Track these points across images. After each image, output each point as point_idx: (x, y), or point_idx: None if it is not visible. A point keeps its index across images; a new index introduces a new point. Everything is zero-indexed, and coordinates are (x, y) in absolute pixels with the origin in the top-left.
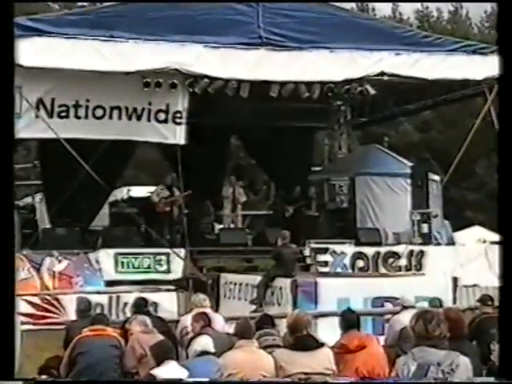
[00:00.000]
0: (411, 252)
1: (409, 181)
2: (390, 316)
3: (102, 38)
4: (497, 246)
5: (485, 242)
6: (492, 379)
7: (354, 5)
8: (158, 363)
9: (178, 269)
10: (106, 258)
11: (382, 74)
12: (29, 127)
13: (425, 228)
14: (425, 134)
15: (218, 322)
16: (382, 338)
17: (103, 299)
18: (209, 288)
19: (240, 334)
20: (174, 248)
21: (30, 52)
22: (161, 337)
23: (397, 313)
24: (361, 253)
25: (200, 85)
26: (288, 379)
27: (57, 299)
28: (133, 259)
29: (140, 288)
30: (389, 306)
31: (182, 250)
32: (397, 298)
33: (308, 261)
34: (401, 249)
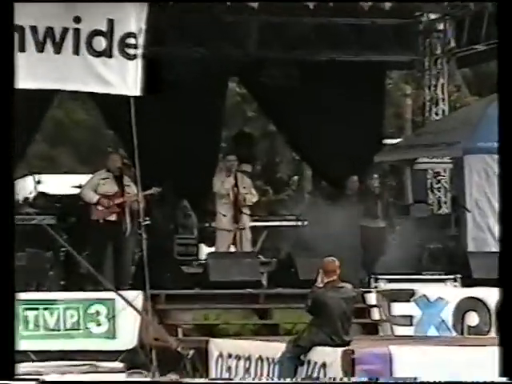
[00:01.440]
0: None
1: None
2: None
3: None
4: None
5: None
6: (492, 379)
7: None
8: None
9: (129, 330)
10: None
11: None
12: None
13: None
14: None
15: None
16: None
17: None
18: (189, 366)
19: None
20: (123, 290)
21: None
22: None
23: None
24: (475, 299)
25: None
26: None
27: None
28: (46, 312)
29: (56, 368)
30: None
31: (139, 293)
32: None
33: (375, 314)
34: None
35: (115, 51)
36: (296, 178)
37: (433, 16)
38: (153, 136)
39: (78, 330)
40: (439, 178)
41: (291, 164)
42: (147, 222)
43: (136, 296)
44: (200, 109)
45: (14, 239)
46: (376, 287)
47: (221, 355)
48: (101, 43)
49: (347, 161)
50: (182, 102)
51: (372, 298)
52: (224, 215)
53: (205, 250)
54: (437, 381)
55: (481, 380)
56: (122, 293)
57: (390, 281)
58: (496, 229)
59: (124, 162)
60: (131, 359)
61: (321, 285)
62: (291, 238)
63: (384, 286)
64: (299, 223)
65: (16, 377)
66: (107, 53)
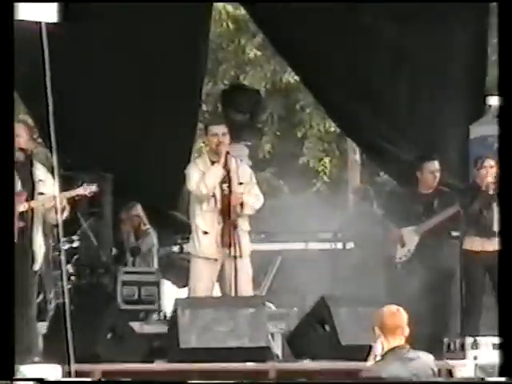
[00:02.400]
0: None
1: None
2: None
3: None
4: None
5: None
6: (492, 379)
7: None
8: None
9: None
10: None
11: None
12: None
13: None
14: None
15: None
16: None
17: None
18: None
19: None
20: (26, 365)
21: None
22: None
23: None
24: None
25: None
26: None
27: None
28: None
29: None
30: None
31: (56, 369)
32: None
33: None
34: None
35: None
36: (328, 164)
37: None
38: (82, 93)
39: None
40: None
41: (323, 142)
42: (73, 244)
43: (51, 374)
44: (164, 46)
45: (13, 238)
46: (476, 358)
47: None
48: None
49: (424, 134)
50: (131, 34)
51: (468, 374)
52: (205, 232)
53: (172, 294)
54: (437, 381)
55: (480, 380)
56: (25, 370)
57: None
58: None
59: (33, 137)
60: None
61: (378, 356)
62: (323, 271)
63: (490, 355)
64: (338, 245)
65: (16, 377)
66: None
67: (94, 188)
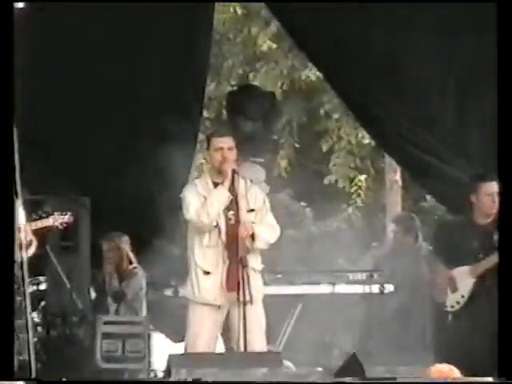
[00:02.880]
0: None
1: None
2: None
3: None
4: None
5: None
6: (492, 379)
7: None
8: None
9: None
10: None
11: None
12: None
13: None
14: None
15: None
16: None
17: None
18: None
19: None
20: None
21: None
22: None
23: None
24: None
25: None
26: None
27: None
28: None
29: None
30: None
31: None
32: None
33: None
34: None
35: None
36: (362, 184)
37: None
38: (53, 96)
39: None
40: None
41: (354, 158)
42: (40, 287)
43: None
44: (154, 39)
45: (14, 237)
46: None
47: None
48: None
49: (481, 148)
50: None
51: None
52: (207, 272)
53: (164, 349)
54: (437, 381)
55: (480, 380)
56: None
57: None
58: None
59: None
60: None
61: None
62: (355, 321)
63: None
64: (373, 288)
65: (13, 377)
66: None
67: (67, 218)
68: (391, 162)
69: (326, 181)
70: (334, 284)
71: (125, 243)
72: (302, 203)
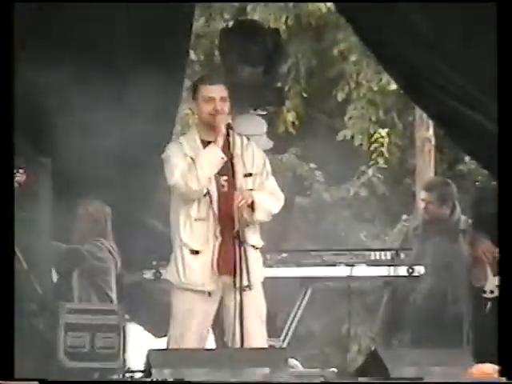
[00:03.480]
0: None
1: None
2: None
3: None
4: None
5: None
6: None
7: None
8: None
9: None
10: None
11: None
12: None
13: None
14: None
15: None
16: None
17: None
18: None
19: None
20: None
21: None
22: None
23: None
24: None
25: None
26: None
27: None
28: None
29: None
30: None
31: None
32: None
33: None
34: None
35: None
36: (385, 141)
37: None
38: None
39: None
40: None
41: (376, 108)
42: None
43: None
44: None
45: (13, 238)
46: None
47: None
48: None
49: None
50: None
51: None
52: (195, 252)
53: (142, 345)
54: (437, 381)
55: (480, 380)
56: None
57: None
58: None
59: None
60: None
61: None
62: (377, 310)
63: None
64: (400, 270)
65: (13, 377)
66: None
67: (18, 176)
68: (422, 114)
69: (340, 137)
70: (351, 265)
71: (102, 209)
72: (312, 165)
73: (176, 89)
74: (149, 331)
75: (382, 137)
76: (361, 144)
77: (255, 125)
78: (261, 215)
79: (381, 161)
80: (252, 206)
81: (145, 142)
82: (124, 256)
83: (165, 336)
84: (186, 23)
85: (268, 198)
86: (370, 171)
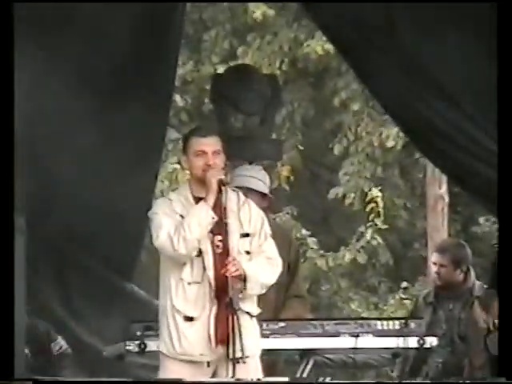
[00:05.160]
0: None
1: None
2: None
3: None
4: None
5: None
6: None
7: None
8: None
9: None
10: None
11: None
12: None
13: None
14: None
15: None
16: None
17: None
18: None
19: None
20: None
21: None
22: None
23: None
24: None
25: None
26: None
27: None
28: None
29: None
30: None
31: None
32: None
33: None
34: None
35: None
36: (379, 200)
37: None
38: None
39: None
40: None
41: (375, 165)
42: None
43: None
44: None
45: (13, 237)
46: None
47: None
48: None
49: None
50: None
51: None
52: (189, 318)
53: None
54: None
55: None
56: None
57: None
58: None
59: None
60: None
61: None
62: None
63: None
64: (409, 341)
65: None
66: None
67: None
68: (434, 170)
69: (332, 195)
70: (356, 336)
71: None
72: (307, 230)
73: (157, 138)
74: None
75: (375, 196)
76: (351, 203)
77: (251, 176)
78: (253, 289)
79: (378, 222)
80: (245, 279)
81: (124, 198)
82: (103, 325)
83: None
84: (169, 68)
85: (264, 268)
86: (368, 233)
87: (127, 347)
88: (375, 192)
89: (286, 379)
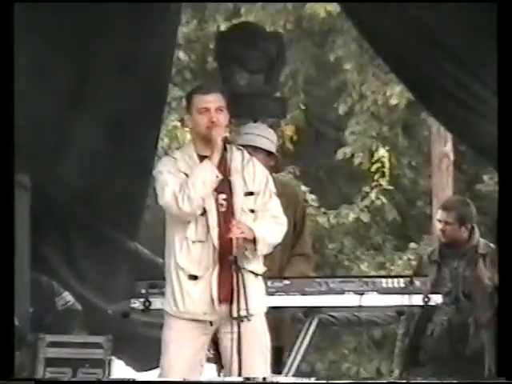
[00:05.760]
0: None
1: None
2: None
3: None
4: None
5: None
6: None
7: None
8: None
9: None
10: None
11: None
12: None
13: None
14: None
15: None
16: None
17: None
18: None
19: None
20: None
21: None
22: None
23: None
24: None
25: None
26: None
27: None
28: None
29: None
30: None
31: None
32: None
33: None
34: None
35: None
36: (386, 159)
37: None
38: None
39: None
40: None
41: (380, 123)
42: None
43: None
44: None
45: (13, 239)
46: None
47: None
48: None
49: None
50: None
51: None
52: (193, 277)
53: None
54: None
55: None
56: None
57: None
58: None
59: None
60: None
61: None
62: (390, 342)
63: None
64: (413, 299)
65: (12, 377)
66: None
67: None
68: (440, 128)
69: (339, 155)
70: (361, 293)
71: None
72: (310, 190)
73: (159, 95)
74: (130, 365)
75: (382, 155)
76: (362, 163)
77: (256, 134)
78: (262, 250)
79: (383, 182)
80: (254, 241)
81: (126, 156)
82: (107, 284)
83: (147, 371)
84: (171, 25)
85: (270, 227)
86: (373, 193)
87: (132, 305)
88: (382, 152)
89: (291, 379)
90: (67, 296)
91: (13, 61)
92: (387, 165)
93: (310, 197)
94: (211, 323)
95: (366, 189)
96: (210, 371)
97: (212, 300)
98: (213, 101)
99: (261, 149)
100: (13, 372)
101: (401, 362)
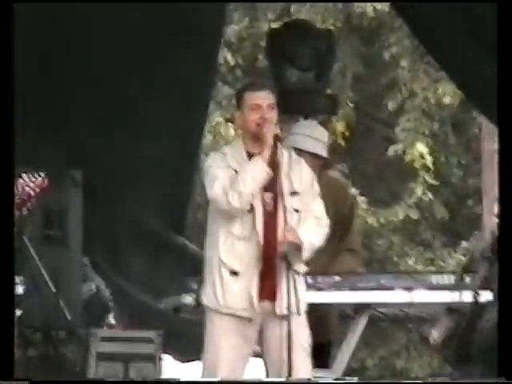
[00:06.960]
0: None
1: None
2: None
3: None
4: None
5: None
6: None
7: None
8: None
9: None
10: None
11: None
12: None
13: None
14: None
15: None
16: None
17: None
18: None
19: None
20: None
21: None
22: None
23: None
24: None
25: None
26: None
27: None
28: None
29: None
30: None
31: None
32: None
33: None
34: None
35: None
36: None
37: None
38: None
39: None
40: None
41: (431, 121)
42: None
43: None
44: None
45: (13, 235)
46: None
47: None
48: None
49: None
50: None
51: None
52: (234, 273)
53: (174, 374)
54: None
55: (480, 381)
56: None
57: None
58: None
59: None
60: None
61: None
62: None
63: None
64: (463, 295)
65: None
66: None
67: (39, 181)
68: (489, 124)
69: (391, 151)
70: (410, 289)
71: None
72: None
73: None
74: (176, 358)
75: (429, 152)
76: (411, 160)
77: (312, 129)
78: (307, 255)
79: (429, 178)
80: (299, 246)
81: (174, 152)
82: (153, 279)
83: (190, 361)
84: (218, 25)
85: (315, 230)
86: (418, 189)
87: (183, 300)
88: (426, 149)
89: (304, 379)
90: (92, 284)
91: (13, 62)
92: (435, 162)
93: (360, 199)
94: (249, 320)
95: (414, 185)
96: (257, 368)
97: (253, 297)
98: (264, 98)
99: (308, 152)
100: (13, 372)
101: (451, 359)
